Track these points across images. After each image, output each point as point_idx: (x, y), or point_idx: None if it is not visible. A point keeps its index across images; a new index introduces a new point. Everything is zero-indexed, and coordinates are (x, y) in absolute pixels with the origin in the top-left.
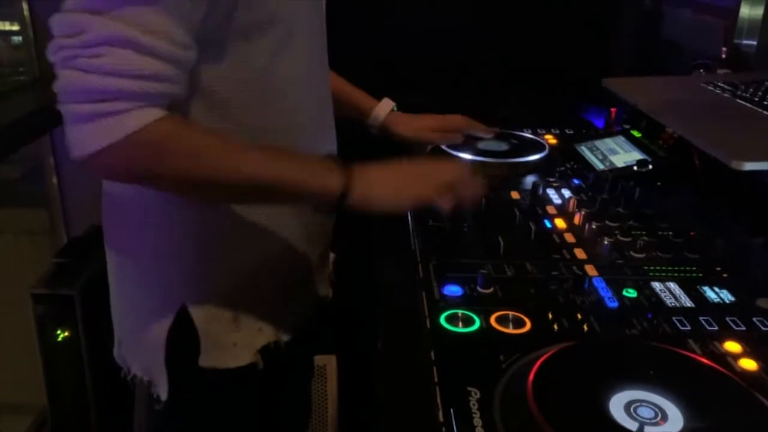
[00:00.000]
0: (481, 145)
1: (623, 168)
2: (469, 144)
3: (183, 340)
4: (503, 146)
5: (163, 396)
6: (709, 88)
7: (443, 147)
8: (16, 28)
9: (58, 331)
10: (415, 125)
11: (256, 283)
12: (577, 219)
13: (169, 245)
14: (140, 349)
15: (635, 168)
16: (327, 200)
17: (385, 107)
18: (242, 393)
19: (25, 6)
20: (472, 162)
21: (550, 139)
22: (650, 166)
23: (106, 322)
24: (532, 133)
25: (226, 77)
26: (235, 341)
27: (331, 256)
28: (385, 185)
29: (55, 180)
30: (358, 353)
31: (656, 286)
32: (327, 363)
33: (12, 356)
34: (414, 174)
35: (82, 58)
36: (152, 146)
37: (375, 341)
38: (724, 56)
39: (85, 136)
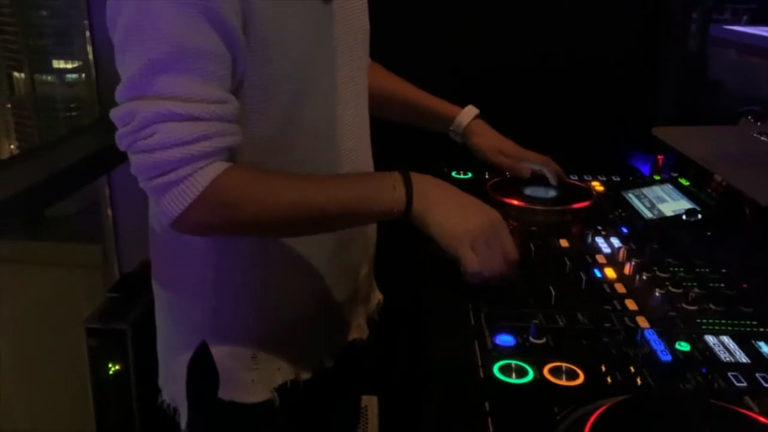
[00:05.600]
0: (528, 192)
1: (672, 217)
2: (517, 189)
3: (204, 372)
4: (551, 193)
5: (183, 424)
6: (762, 138)
7: (490, 192)
8: (71, 66)
9: (110, 365)
10: (493, 145)
11: (277, 323)
12: (627, 269)
13: (192, 282)
14: (167, 377)
15: (684, 217)
16: (390, 218)
17: (468, 113)
18: (262, 427)
19: (89, 48)
20: (520, 208)
21: (597, 186)
22: (699, 216)
23: (155, 356)
24: (578, 180)
25: (247, 131)
26: (253, 378)
27: (378, 297)
28: (444, 209)
29: (109, 216)
30: (400, 394)
31: (710, 339)
32: (369, 404)
33: (64, 387)
34: (470, 205)
35: (139, 141)
36: (225, 197)
37: (418, 383)
38: None
39: (167, 205)
